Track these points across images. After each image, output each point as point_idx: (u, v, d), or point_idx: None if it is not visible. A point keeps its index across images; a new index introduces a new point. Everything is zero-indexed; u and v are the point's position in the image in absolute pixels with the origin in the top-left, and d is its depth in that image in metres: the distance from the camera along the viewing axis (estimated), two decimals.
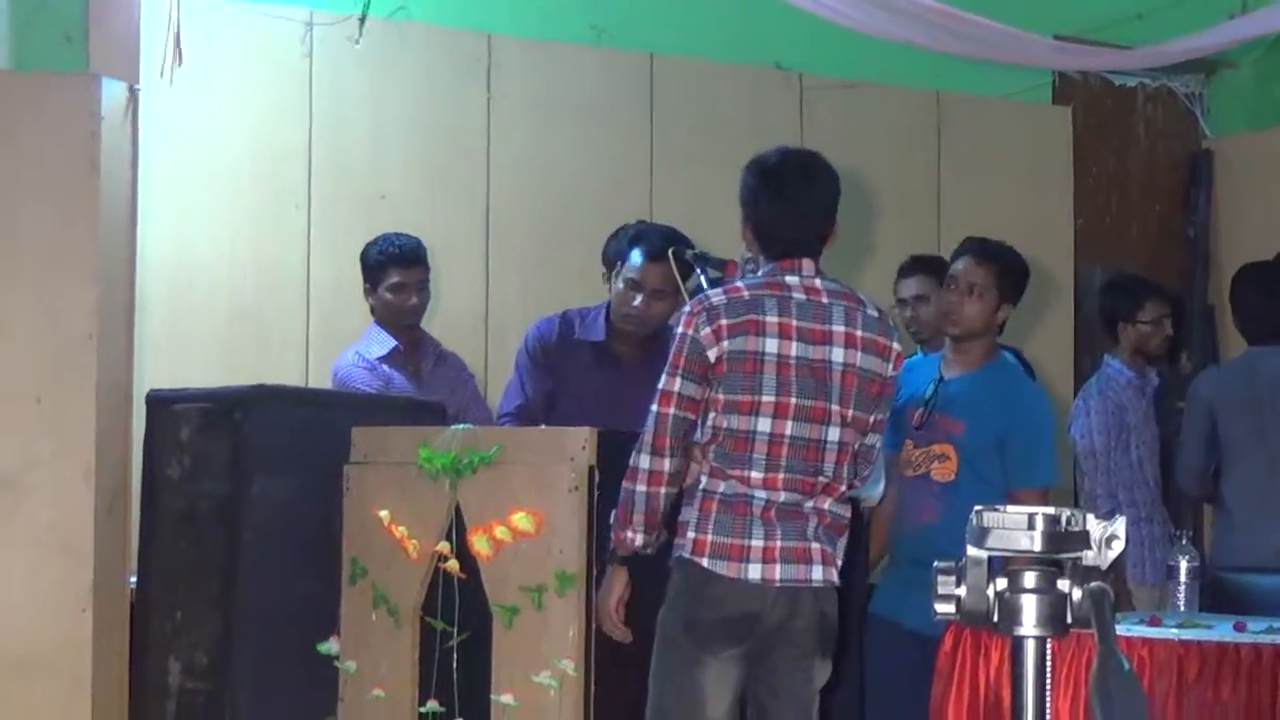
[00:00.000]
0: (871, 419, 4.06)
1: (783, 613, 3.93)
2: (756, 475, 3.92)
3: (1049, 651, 1.46)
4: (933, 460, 4.89)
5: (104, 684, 4.87)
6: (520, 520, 4.15)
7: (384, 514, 4.38)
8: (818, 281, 4.02)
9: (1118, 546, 1.43)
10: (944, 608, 1.44)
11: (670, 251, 4.76)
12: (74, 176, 4.89)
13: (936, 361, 5.08)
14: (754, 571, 3.91)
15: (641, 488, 3.92)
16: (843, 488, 4.03)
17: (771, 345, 3.93)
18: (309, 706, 4.54)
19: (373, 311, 5.49)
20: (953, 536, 5.05)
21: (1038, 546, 1.43)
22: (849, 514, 4.09)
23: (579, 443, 4.16)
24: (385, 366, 5.39)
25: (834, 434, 3.98)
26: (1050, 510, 1.43)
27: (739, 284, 4.06)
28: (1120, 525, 1.42)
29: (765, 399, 3.92)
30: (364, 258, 5.49)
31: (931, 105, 7.48)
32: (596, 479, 4.14)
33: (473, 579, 4.24)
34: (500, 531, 4.18)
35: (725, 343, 3.91)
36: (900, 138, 7.41)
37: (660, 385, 3.95)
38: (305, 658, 4.50)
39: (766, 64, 7.13)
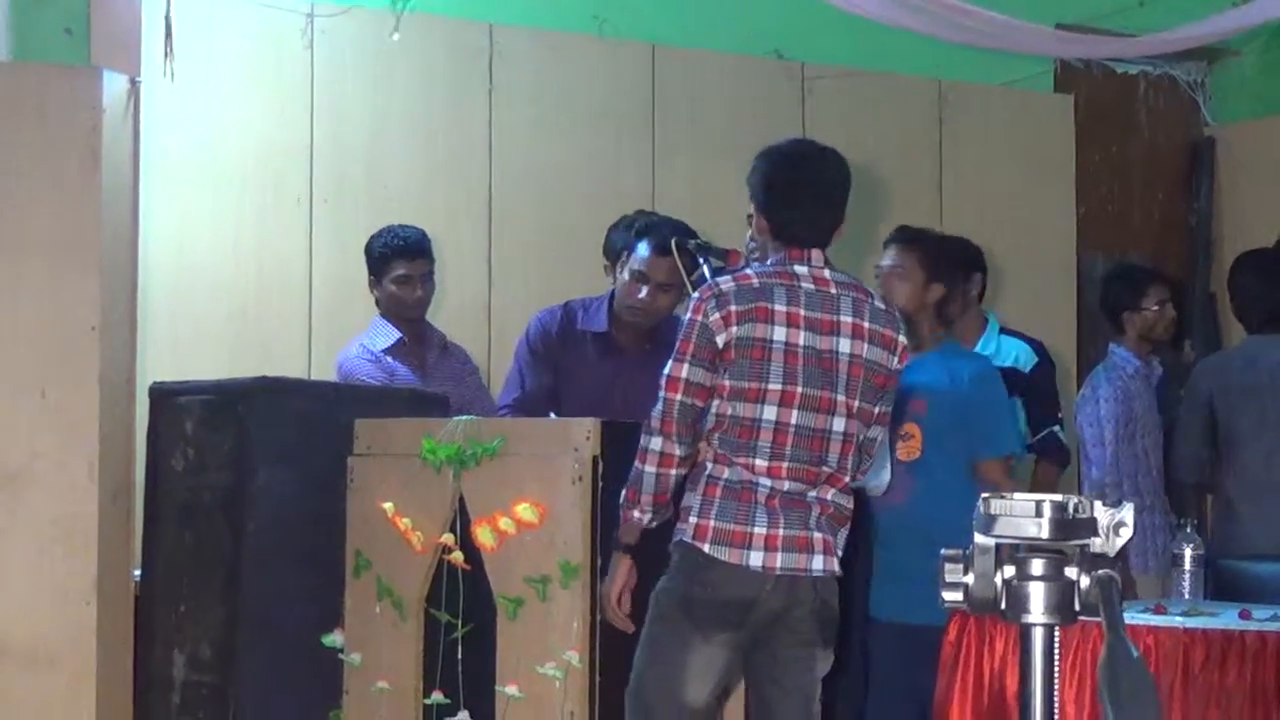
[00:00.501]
0: (876, 411, 4.06)
1: (781, 601, 3.93)
2: (761, 463, 3.92)
3: (1057, 639, 1.46)
4: (897, 441, 4.93)
5: (108, 676, 4.87)
6: (524, 511, 4.15)
7: (388, 506, 4.38)
8: (826, 272, 4.03)
9: (1125, 534, 1.42)
10: (952, 595, 1.43)
11: (673, 242, 4.76)
12: (76, 170, 4.89)
13: None
14: (755, 559, 3.91)
15: (651, 469, 3.93)
16: (846, 478, 4.03)
17: (779, 334, 3.93)
18: (313, 699, 4.54)
19: (378, 304, 5.48)
20: (921, 514, 5.08)
21: (1045, 534, 1.43)
22: (851, 504, 4.08)
23: (583, 433, 4.15)
24: (389, 359, 5.39)
25: (839, 424, 3.98)
26: (1058, 497, 1.42)
27: (748, 271, 4.06)
28: (1128, 512, 1.42)
29: (772, 387, 3.92)
30: (368, 250, 5.49)
31: (933, 94, 7.47)
32: (600, 470, 4.13)
33: (477, 570, 4.23)
34: (504, 523, 4.18)
35: (734, 329, 3.91)
36: (902, 127, 7.40)
37: (668, 371, 3.95)
38: (309, 650, 4.50)
39: (768, 54, 7.12)
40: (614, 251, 5.20)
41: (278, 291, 6.19)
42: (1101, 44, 7.38)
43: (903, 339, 4.11)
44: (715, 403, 3.94)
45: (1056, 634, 1.45)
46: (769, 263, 4.06)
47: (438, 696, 4.28)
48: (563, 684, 4.10)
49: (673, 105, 6.90)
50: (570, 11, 6.79)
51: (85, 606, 4.82)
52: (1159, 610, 4.63)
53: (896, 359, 4.08)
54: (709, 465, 3.95)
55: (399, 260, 5.41)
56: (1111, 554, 1.42)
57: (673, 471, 3.94)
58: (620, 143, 6.81)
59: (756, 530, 3.91)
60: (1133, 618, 4.44)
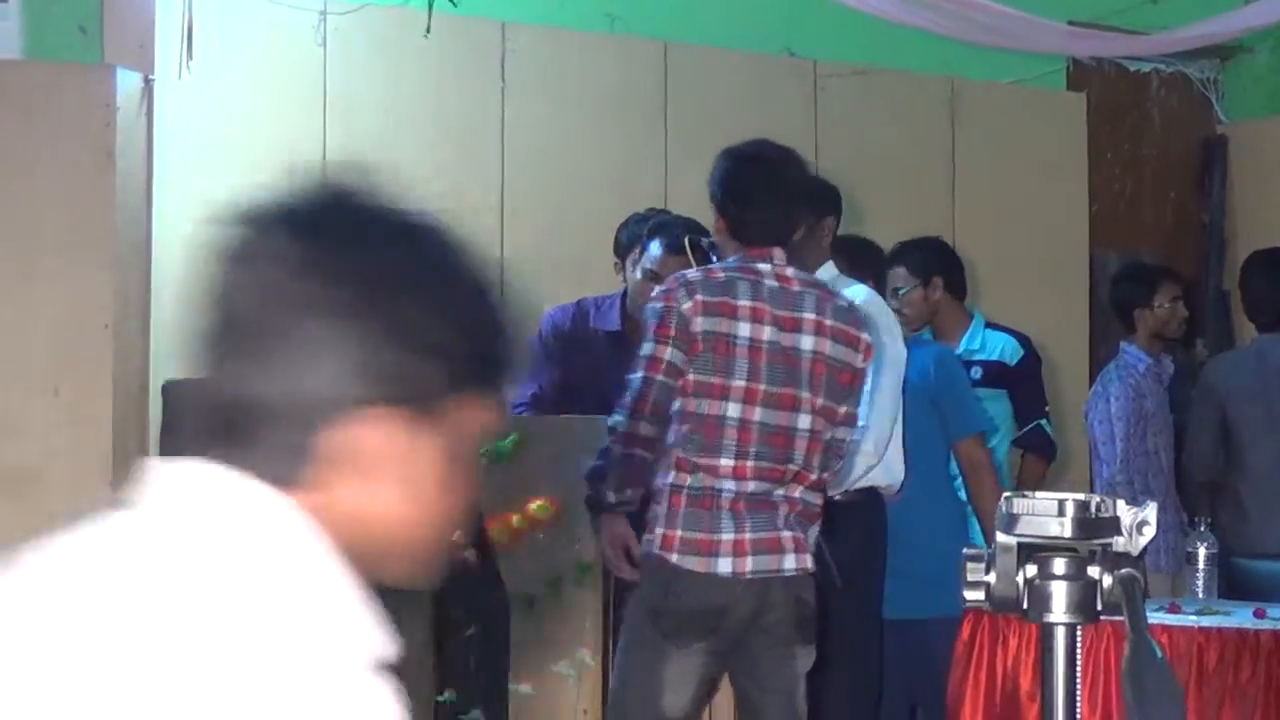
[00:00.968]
0: (841, 410, 4.05)
1: (753, 605, 3.92)
2: (726, 463, 3.90)
3: (1079, 639, 1.46)
4: None
5: None
6: (538, 509, 4.16)
7: None
8: (789, 270, 4.04)
9: (1149, 533, 1.42)
10: (973, 594, 1.43)
11: (686, 241, 4.76)
12: (90, 167, 4.89)
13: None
14: (724, 565, 3.89)
15: (620, 448, 3.91)
16: (814, 476, 4.01)
17: (744, 329, 3.93)
18: None
19: None
20: (903, 512, 5.05)
21: (1068, 533, 1.43)
22: (820, 501, 4.06)
23: (595, 432, 4.15)
24: None
25: (804, 421, 3.97)
26: (1080, 496, 1.42)
27: (714, 267, 4.06)
28: (1151, 511, 1.42)
29: (735, 383, 3.91)
30: None
31: (945, 92, 7.46)
32: None
33: (490, 568, 4.23)
34: (518, 520, 4.18)
35: (702, 319, 3.91)
36: (914, 124, 7.39)
37: (647, 352, 3.92)
38: None
39: (779, 51, 7.12)
40: (622, 248, 5.20)
41: None
42: (1114, 42, 7.37)
43: (866, 336, 4.10)
44: (678, 402, 3.93)
45: (1079, 634, 1.45)
46: (730, 261, 4.06)
47: (450, 694, 4.28)
48: (576, 682, 4.10)
49: (685, 103, 6.90)
50: (583, 9, 6.79)
51: None
52: (1173, 609, 4.62)
53: (861, 356, 4.07)
54: (672, 474, 3.93)
55: None
56: (1134, 553, 1.41)
57: (638, 452, 3.90)
58: (633, 140, 6.80)
59: (723, 536, 3.89)
60: (1148, 616, 4.44)
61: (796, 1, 7.01)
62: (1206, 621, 4.41)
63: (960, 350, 5.67)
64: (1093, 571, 1.44)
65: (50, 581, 1.23)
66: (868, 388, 4.66)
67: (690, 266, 4.80)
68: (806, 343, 3.97)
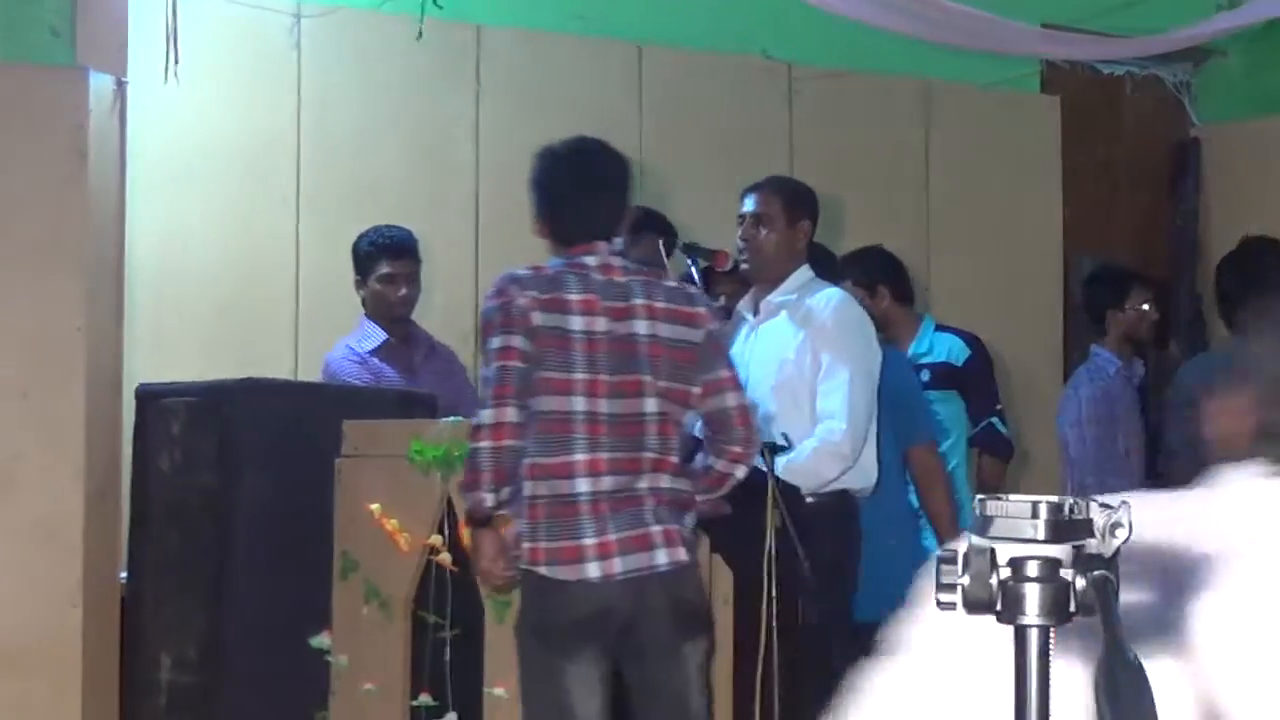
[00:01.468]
0: (692, 390, 4.02)
1: (630, 604, 3.89)
2: (580, 458, 3.88)
3: (1052, 641, 1.45)
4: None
5: (94, 678, 4.85)
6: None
7: (375, 507, 4.37)
8: (614, 261, 4.05)
9: (1122, 534, 1.42)
10: (947, 597, 1.43)
11: (660, 243, 4.76)
12: (62, 170, 4.88)
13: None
14: (593, 570, 3.87)
15: (487, 443, 3.87)
16: (674, 459, 3.99)
17: (578, 323, 3.93)
18: (300, 700, 4.53)
19: (363, 304, 5.47)
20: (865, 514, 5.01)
21: (1041, 535, 1.42)
22: (689, 488, 4.03)
23: None
24: (376, 360, 5.38)
25: (651, 405, 3.96)
26: (1054, 499, 1.42)
27: (541, 264, 4.07)
28: (1125, 513, 1.41)
29: (578, 377, 3.91)
30: (355, 249, 5.48)
31: (919, 94, 7.47)
32: None
33: (464, 572, 4.23)
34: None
35: (539, 314, 3.91)
36: (888, 127, 7.40)
37: (495, 345, 3.91)
38: (296, 651, 4.49)
39: (754, 54, 7.12)
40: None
41: (264, 292, 6.17)
42: (1088, 44, 7.39)
43: (703, 308, 4.09)
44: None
45: (1052, 635, 1.45)
46: (556, 261, 4.06)
47: (425, 698, 4.28)
48: None
49: (659, 105, 6.90)
50: (558, 12, 6.78)
51: (71, 609, 4.81)
52: None
53: (701, 331, 4.05)
54: (527, 485, 3.90)
55: (385, 259, 5.41)
56: (1108, 555, 1.41)
57: (506, 443, 3.86)
58: (607, 142, 6.79)
59: (586, 540, 3.87)
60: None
61: (771, 4, 7.01)
62: None
63: (908, 354, 5.69)
64: (1066, 574, 1.43)
65: None
66: (844, 391, 4.66)
67: (658, 251, 4.82)
68: (640, 327, 3.97)
